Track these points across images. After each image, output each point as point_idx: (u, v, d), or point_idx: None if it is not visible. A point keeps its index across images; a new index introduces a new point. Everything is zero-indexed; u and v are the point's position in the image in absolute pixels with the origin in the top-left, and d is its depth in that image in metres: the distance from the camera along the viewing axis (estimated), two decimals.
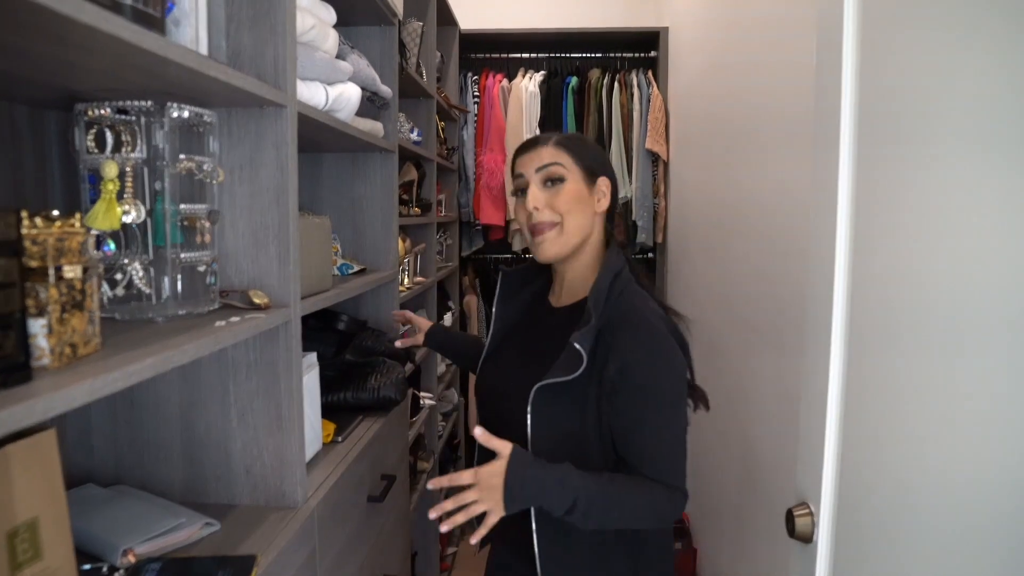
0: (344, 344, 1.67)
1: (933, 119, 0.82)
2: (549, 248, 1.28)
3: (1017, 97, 0.70)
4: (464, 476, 1.12)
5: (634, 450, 1.19)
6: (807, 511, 1.07)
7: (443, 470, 3.14)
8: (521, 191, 1.31)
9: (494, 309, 1.46)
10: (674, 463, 1.20)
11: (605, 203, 1.32)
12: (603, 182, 1.32)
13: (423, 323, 1.77)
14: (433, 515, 1.13)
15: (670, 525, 1.28)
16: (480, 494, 1.10)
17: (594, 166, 1.30)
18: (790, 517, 1.08)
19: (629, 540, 1.23)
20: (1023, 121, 0.69)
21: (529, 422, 1.19)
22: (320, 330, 1.65)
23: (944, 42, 0.80)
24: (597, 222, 1.32)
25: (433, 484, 1.13)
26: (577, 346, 1.16)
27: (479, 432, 1.15)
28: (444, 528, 1.11)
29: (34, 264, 0.65)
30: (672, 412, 1.20)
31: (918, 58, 0.85)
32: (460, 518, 1.11)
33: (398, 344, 1.74)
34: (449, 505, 1.11)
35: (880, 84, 0.93)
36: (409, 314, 1.82)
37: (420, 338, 1.75)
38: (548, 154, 1.28)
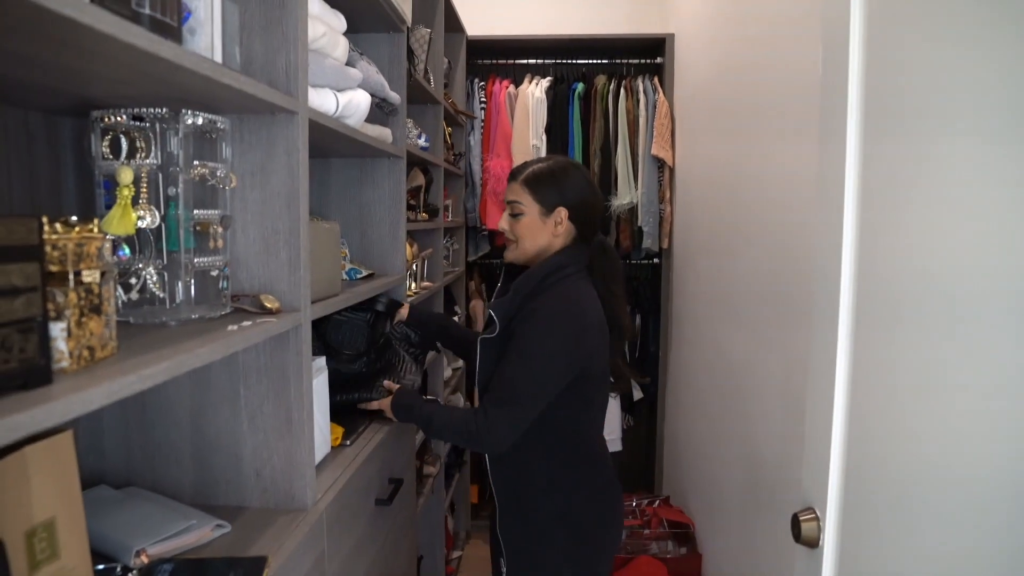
0: (377, 325, 1.78)
1: (937, 109, 0.83)
2: (509, 255, 1.73)
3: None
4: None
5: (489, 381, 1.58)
6: (813, 516, 1.07)
7: (449, 474, 3.15)
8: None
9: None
10: (497, 392, 1.52)
11: (563, 227, 1.65)
12: (561, 211, 1.64)
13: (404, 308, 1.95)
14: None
15: (477, 447, 1.56)
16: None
17: (553, 201, 1.64)
18: (796, 522, 1.08)
19: (569, 521, 1.62)
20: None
21: (477, 367, 1.63)
22: (358, 309, 1.75)
23: (949, 38, 0.81)
24: (558, 242, 1.67)
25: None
26: (491, 312, 1.59)
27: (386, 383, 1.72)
28: None
29: (54, 269, 0.67)
30: (524, 355, 1.51)
31: (923, 56, 0.86)
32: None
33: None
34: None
35: (885, 79, 0.94)
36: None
37: (404, 313, 1.91)
38: (514, 191, 1.67)
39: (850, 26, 1.00)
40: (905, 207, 0.89)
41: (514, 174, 1.70)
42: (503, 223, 1.70)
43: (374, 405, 1.67)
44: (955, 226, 0.80)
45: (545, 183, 1.64)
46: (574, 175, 1.68)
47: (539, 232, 1.66)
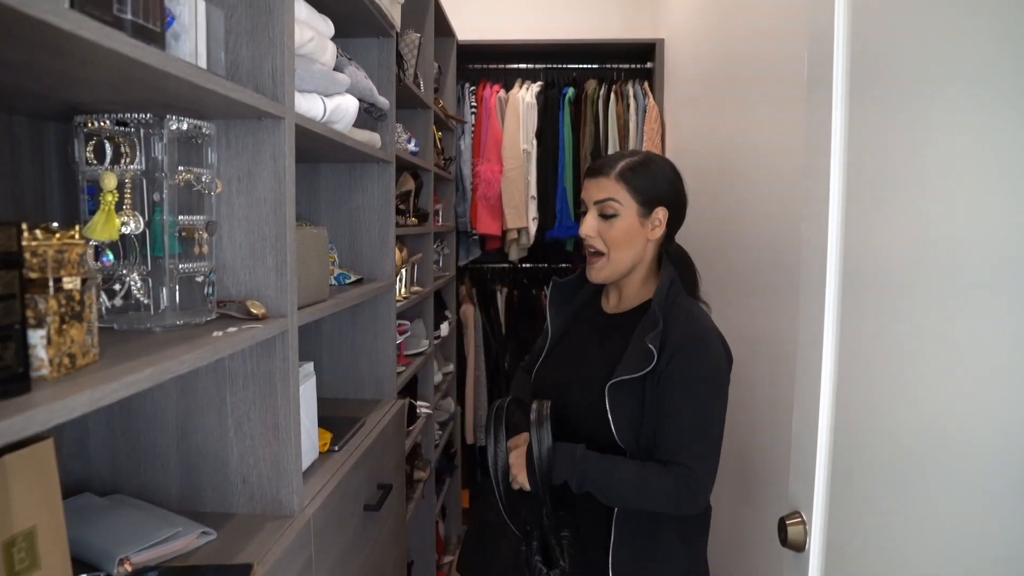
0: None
1: (925, 80, 0.83)
2: (597, 275, 1.42)
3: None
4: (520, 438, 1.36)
5: (664, 436, 1.31)
6: (799, 520, 1.07)
7: (439, 479, 3.14)
8: (583, 212, 1.43)
9: (548, 314, 1.56)
10: (699, 448, 1.30)
11: (659, 231, 1.41)
12: (660, 211, 1.39)
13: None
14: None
15: (689, 510, 1.32)
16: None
17: (652, 197, 1.38)
18: (782, 526, 1.08)
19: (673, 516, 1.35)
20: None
21: (611, 418, 1.30)
22: None
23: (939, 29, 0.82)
24: (650, 247, 1.42)
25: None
26: (650, 346, 1.28)
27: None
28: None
29: (34, 276, 0.66)
30: (706, 401, 1.31)
31: (907, 49, 0.86)
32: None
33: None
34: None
35: (868, 48, 0.95)
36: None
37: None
38: (608, 187, 1.38)
39: (834, 30, 1.01)
40: (892, 200, 0.89)
41: (600, 169, 1.40)
42: (588, 228, 1.39)
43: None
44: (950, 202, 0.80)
45: (642, 175, 1.38)
46: (664, 164, 1.44)
47: (636, 238, 1.38)
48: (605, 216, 1.38)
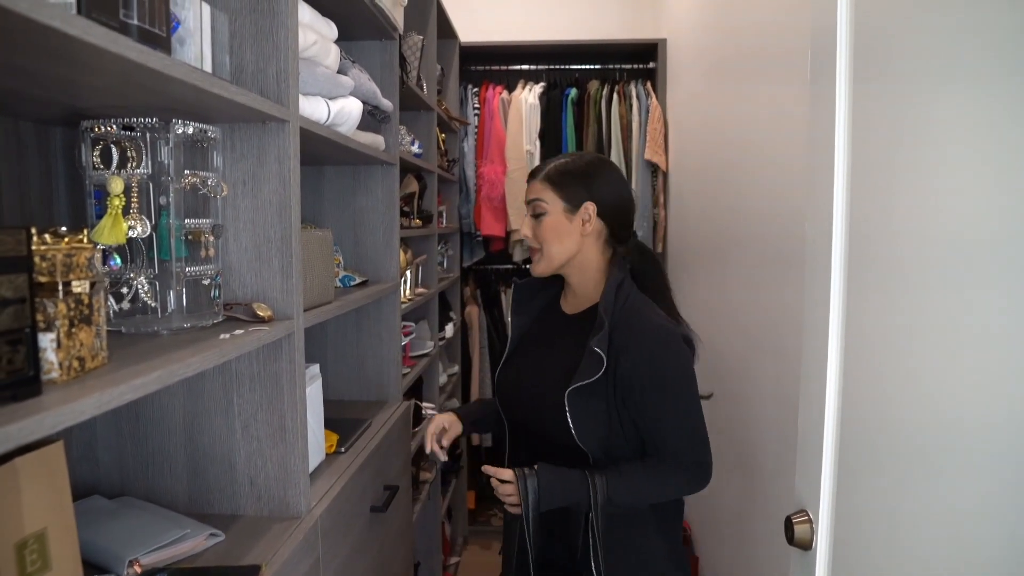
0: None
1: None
2: (535, 268, 1.51)
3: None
4: (505, 473, 1.36)
5: (659, 439, 1.38)
6: (806, 518, 1.07)
7: (445, 480, 3.15)
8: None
9: (509, 318, 1.62)
10: (695, 443, 1.39)
11: (592, 225, 1.46)
12: (588, 206, 1.46)
13: (444, 418, 1.62)
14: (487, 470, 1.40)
15: (699, 490, 1.42)
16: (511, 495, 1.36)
17: (576, 193, 1.45)
18: (789, 524, 1.08)
19: (676, 560, 1.47)
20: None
21: (571, 424, 1.35)
22: None
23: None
24: (588, 242, 1.47)
25: (485, 469, 1.40)
26: (597, 350, 1.33)
27: (486, 468, 1.40)
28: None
29: (43, 280, 0.67)
30: (684, 397, 1.38)
31: (910, 30, 0.86)
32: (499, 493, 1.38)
33: (440, 456, 1.60)
34: (491, 471, 1.38)
35: (873, 35, 0.95)
36: (432, 430, 1.59)
37: (458, 426, 1.62)
38: (536, 190, 1.48)
39: (837, 30, 1.01)
40: (898, 185, 0.89)
41: (532, 174, 1.51)
42: (524, 228, 1.51)
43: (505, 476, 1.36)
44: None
45: (568, 177, 1.46)
46: (600, 166, 1.50)
47: (566, 232, 1.45)
48: (536, 216, 1.48)
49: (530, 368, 1.52)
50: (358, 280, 1.77)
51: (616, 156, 3.51)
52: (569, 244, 1.46)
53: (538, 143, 3.55)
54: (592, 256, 1.48)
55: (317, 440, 1.37)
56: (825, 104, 1.04)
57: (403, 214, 2.21)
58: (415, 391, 2.51)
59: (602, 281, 1.48)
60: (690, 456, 1.38)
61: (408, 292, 2.33)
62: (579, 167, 1.48)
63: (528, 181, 1.52)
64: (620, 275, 1.44)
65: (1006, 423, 0.71)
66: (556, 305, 1.58)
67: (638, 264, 1.52)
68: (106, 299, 0.89)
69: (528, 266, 3.83)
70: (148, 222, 0.97)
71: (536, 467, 1.35)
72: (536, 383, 1.47)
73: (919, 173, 0.84)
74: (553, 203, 1.46)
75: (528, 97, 3.56)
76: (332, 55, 1.39)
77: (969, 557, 0.76)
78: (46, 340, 0.67)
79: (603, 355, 1.32)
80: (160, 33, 0.80)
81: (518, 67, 3.78)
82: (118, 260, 0.98)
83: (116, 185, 0.93)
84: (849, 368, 1.00)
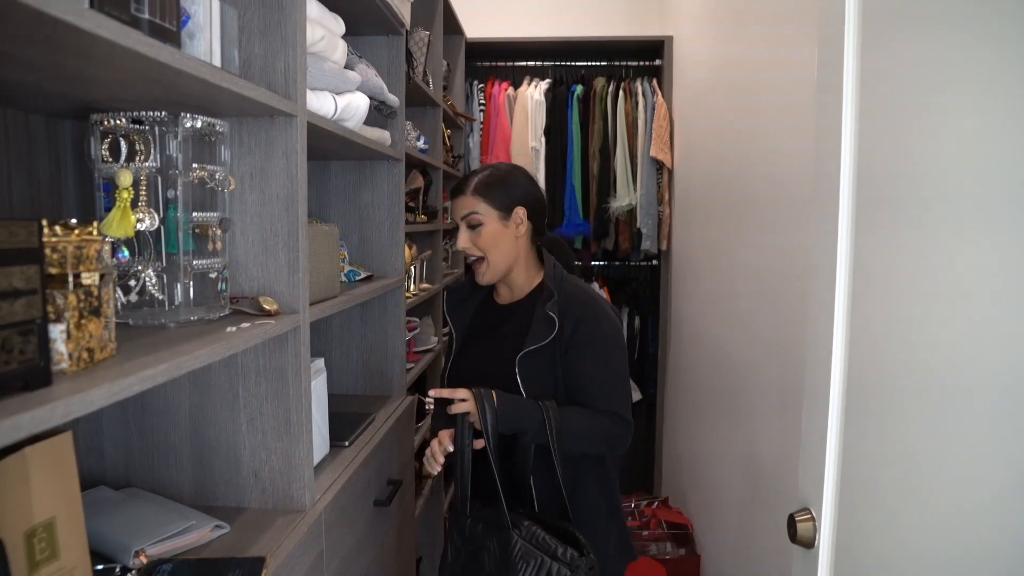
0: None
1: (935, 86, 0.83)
2: (483, 278, 1.61)
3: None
4: (461, 392, 1.43)
5: (588, 394, 1.50)
6: (809, 516, 1.08)
7: (448, 475, 3.15)
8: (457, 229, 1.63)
9: (449, 321, 1.72)
10: (617, 396, 1.52)
11: (524, 227, 1.59)
12: (519, 211, 1.57)
13: (446, 434, 1.51)
14: (432, 393, 1.49)
15: (621, 448, 1.54)
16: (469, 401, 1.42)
17: (508, 201, 1.57)
18: (792, 522, 1.09)
19: (616, 521, 1.59)
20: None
21: (521, 386, 1.47)
22: None
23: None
24: (522, 243, 1.60)
25: (434, 392, 1.48)
26: (550, 313, 1.49)
27: (433, 392, 1.49)
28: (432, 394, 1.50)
29: (54, 271, 0.67)
30: (615, 356, 1.53)
31: (918, 45, 0.86)
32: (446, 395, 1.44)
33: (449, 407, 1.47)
34: (445, 393, 1.44)
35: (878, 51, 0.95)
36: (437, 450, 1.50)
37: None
38: (468, 203, 1.57)
39: (844, 28, 1.01)
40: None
41: (459, 189, 1.60)
42: (462, 242, 1.58)
43: (461, 408, 1.41)
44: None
45: (495, 187, 1.56)
46: (516, 172, 1.62)
47: (504, 238, 1.56)
48: (472, 227, 1.57)
49: (482, 351, 1.63)
50: (363, 275, 1.77)
51: (622, 153, 3.51)
52: (509, 248, 1.58)
53: (543, 140, 3.56)
54: (525, 253, 1.62)
55: (321, 433, 1.37)
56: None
57: (408, 210, 2.21)
58: (419, 386, 2.52)
59: (531, 270, 1.63)
60: (612, 406, 1.49)
61: (413, 287, 2.33)
62: (500, 176, 1.59)
63: (454, 197, 1.62)
64: (552, 258, 1.61)
65: (1009, 421, 0.71)
66: (490, 300, 1.70)
67: (555, 251, 1.68)
68: (114, 291, 0.90)
69: None
70: (156, 215, 0.98)
71: (492, 390, 1.43)
72: (491, 359, 1.57)
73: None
74: (487, 213, 1.56)
75: (534, 93, 3.56)
76: (339, 50, 1.40)
77: (972, 555, 0.77)
78: (56, 331, 0.67)
79: (555, 317, 1.47)
80: (170, 27, 0.81)
81: (524, 63, 3.78)
82: (126, 253, 0.98)
83: (125, 178, 0.93)
84: (852, 369, 1.00)
